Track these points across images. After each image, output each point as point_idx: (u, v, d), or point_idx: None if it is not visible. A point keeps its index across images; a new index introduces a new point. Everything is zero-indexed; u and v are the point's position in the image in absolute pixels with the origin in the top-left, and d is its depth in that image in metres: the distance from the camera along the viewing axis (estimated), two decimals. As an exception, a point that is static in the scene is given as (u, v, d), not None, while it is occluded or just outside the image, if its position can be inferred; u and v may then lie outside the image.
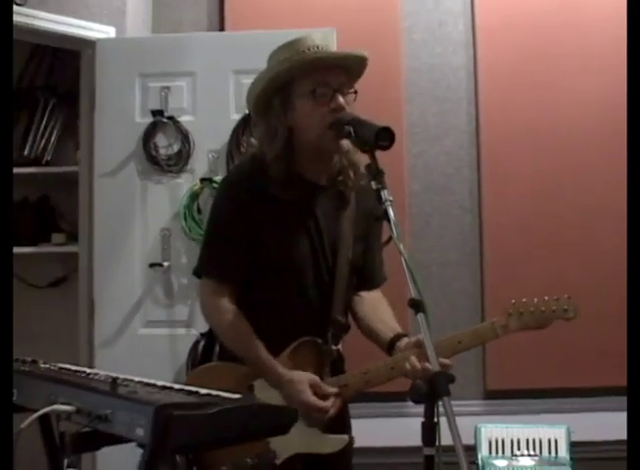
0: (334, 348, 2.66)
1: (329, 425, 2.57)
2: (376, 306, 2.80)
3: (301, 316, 2.62)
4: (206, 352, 2.79)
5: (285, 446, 2.47)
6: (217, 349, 2.73)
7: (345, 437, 2.61)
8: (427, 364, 2.33)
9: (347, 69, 2.60)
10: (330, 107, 2.53)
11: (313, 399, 2.51)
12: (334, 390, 2.56)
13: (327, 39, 2.64)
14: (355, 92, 2.62)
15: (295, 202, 2.59)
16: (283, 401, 2.52)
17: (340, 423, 2.65)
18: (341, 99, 2.54)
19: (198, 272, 2.72)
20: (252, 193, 2.59)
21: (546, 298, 2.53)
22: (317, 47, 2.56)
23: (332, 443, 2.58)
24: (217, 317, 2.65)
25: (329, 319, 2.64)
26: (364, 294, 2.81)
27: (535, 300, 2.53)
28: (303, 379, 2.53)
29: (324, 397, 2.54)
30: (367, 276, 2.80)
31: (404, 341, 2.58)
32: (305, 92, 2.54)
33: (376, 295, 2.84)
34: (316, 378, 2.56)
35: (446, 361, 2.35)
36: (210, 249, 2.70)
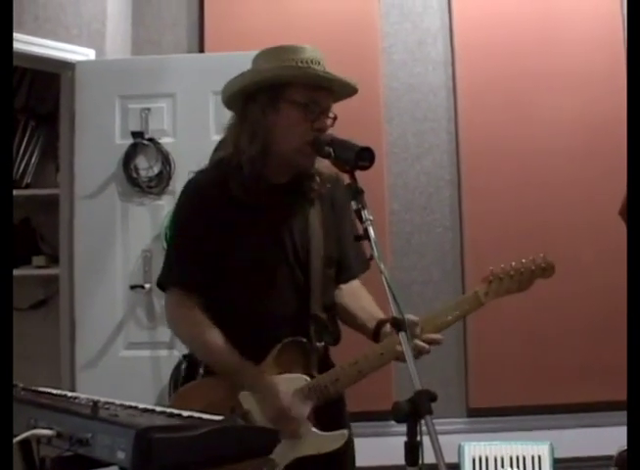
0: (318, 345, 2.61)
1: (325, 423, 2.54)
2: (355, 296, 2.79)
3: (280, 317, 2.58)
4: (190, 374, 2.74)
5: (283, 452, 2.40)
6: (201, 370, 2.67)
7: (345, 432, 2.57)
8: (419, 342, 2.43)
9: (336, 93, 2.62)
10: (314, 125, 2.53)
11: (285, 407, 2.48)
12: (306, 403, 2.51)
13: (317, 52, 2.64)
14: (335, 118, 2.62)
15: (260, 204, 2.58)
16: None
17: (338, 419, 2.63)
18: (327, 121, 2.56)
19: (161, 283, 2.67)
20: (215, 199, 2.57)
21: (523, 260, 2.56)
22: (315, 62, 2.57)
23: (331, 441, 2.54)
24: (185, 328, 2.62)
25: (309, 317, 2.61)
26: (343, 286, 2.79)
27: (513, 263, 2.56)
28: (281, 387, 2.50)
29: (295, 407, 2.50)
30: (343, 267, 2.76)
31: (389, 325, 2.52)
32: (298, 102, 2.54)
33: (355, 284, 2.82)
34: (291, 386, 2.52)
35: (437, 336, 2.46)
36: (173, 257, 2.66)
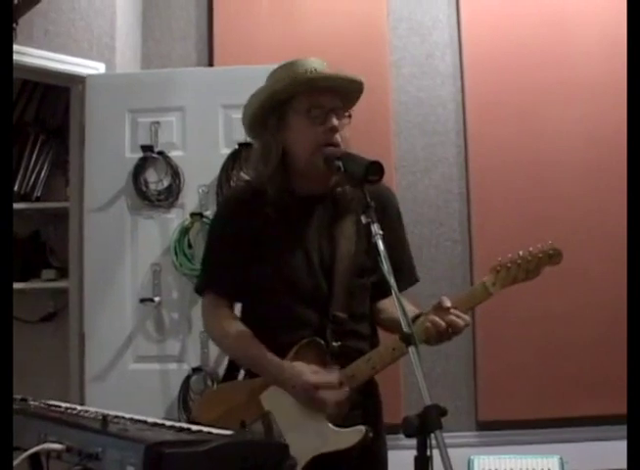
0: (334, 344, 2.62)
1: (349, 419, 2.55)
2: (389, 301, 2.76)
3: (301, 322, 2.63)
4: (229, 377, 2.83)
5: (301, 449, 2.37)
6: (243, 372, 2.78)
7: (361, 427, 2.53)
8: (451, 317, 2.44)
9: (342, 92, 2.65)
10: (324, 127, 2.57)
11: (315, 378, 2.52)
12: (334, 375, 2.55)
13: (323, 64, 2.69)
14: (349, 116, 2.66)
15: (287, 217, 2.64)
16: (297, 407, 2.55)
17: (366, 417, 2.63)
18: (334, 120, 2.58)
19: (198, 288, 2.82)
20: (247, 210, 2.66)
21: (530, 248, 2.53)
22: (315, 70, 2.61)
23: (347, 436, 2.53)
24: (218, 326, 2.72)
25: (327, 318, 2.64)
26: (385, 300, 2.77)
27: (520, 252, 2.53)
28: (304, 368, 2.55)
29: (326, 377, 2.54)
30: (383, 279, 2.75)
31: (422, 317, 2.54)
32: (301, 110, 2.59)
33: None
34: (317, 367, 2.56)
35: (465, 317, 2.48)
36: (208, 264, 2.80)
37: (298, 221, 2.67)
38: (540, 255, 2.54)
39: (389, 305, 2.73)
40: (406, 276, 2.77)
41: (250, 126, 2.74)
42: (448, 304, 2.50)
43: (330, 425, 2.54)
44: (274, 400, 2.56)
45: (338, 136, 2.60)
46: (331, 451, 2.53)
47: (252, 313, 2.72)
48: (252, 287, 2.68)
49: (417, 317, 2.58)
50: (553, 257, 2.57)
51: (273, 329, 2.63)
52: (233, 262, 2.67)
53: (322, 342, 2.61)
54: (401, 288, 2.65)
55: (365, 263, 2.68)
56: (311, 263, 2.64)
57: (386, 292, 2.63)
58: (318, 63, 2.67)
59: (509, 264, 2.53)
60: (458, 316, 2.48)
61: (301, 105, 2.59)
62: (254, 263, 2.64)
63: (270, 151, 2.63)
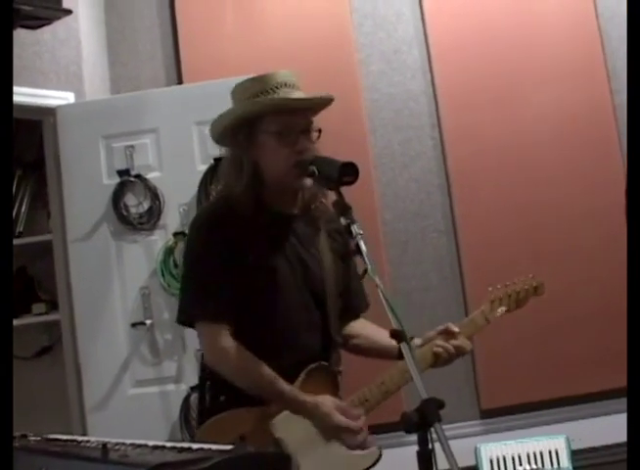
0: (336, 369, 2.69)
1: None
2: (365, 326, 2.87)
3: (301, 345, 2.62)
4: (214, 404, 2.71)
5: None
6: (222, 398, 2.65)
7: (376, 449, 2.58)
8: (455, 342, 2.67)
9: (311, 110, 2.66)
10: (295, 148, 2.56)
11: (344, 421, 2.52)
12: (360, 411, 2.56)
13: (293, 76, 2.67)
14: (319, 131, 2.65)
15: (267, 233, 2.61)
16: (309, 432, 2.52)
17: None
18: (305, 141, 2.59)
19: (190, 319, 2.66)
20: (225, 230, 2.58)
21: (515, 280, 2.86)
22: (285, 85, 2.61)
23: (366, 458, 2.56)
24: (226, 359, 2.58)
25: (330, 342, 2.66)
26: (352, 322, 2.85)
27: (507, 283, 2.85)
28: (328, 403, 2.54)
29: (352, 417, 2.54)
30: (351, 302, 2.81)
31: (416, 340, 2.68)
32: (271, 131, 2.58)
33: (360, 319, 2.89)
34: (339, 401, 2.57)
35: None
36: (195, 291, 2.64)
37: (277, 237, 2.64)
38: (527, 287, 2.86)
39: (362, 330, 2.83)
40: (365, 300, 2.87)
41: (218, 141, 2.75)
42: (456, 329, 2.71)
43: (344, 448, 2.55)
44: (285, 427, 2.53)
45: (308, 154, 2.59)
46: None
47: (244, 336, 2.59)
48: (244, 309, 2.59)
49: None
50: (538, 288, 2.90)
51: (270, 352, 2.56)
52: (223, 285, 2.56)
53: (329, 367, 2.64)
54: (362, 310, 2.86)
55: (341, 286, 2.74)
56: (297, 283, 2.64)
57: (349, 315, 2.81)
58: (287, 76, 2.65)
59: (501, 296, 2.83)
60: (463, 341, 2.71)
61: (272, 127, 2.58)
62: (243, 285, 2.57)
63: (242, 166, 2.61)
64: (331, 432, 2.53)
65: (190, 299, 2.66)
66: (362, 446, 2.55)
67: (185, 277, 2.72)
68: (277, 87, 2.59)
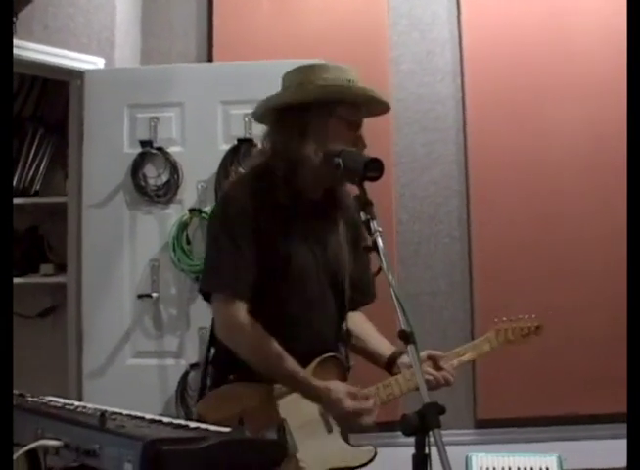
0: (348, 364, 2.69)
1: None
2: (362, 324, 2.84)
3: (316, 333, 2.63)
4: (204, 381, 2.74)
5: (318, 462, 2.45)
6: (232, 377, 2.62)
7: (371, 447, 2.59)
8: (445, 374, 2.67)
9: (370, 110, 2.68)
10: (356, 140, 2.59)
11: (354, 405, 2.49)
12: (371, 392, 2.55)
13: (355, 72, 2.67)
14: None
15: (294, 218, 2.60)
16: (314, 418, 2.52)
17: None
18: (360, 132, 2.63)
19: (208, 289, 2.63)
20: (254, 206, 2.56)
21: (519, 317, 2.96)
22: (356, 80, 2.62)
23: (360, 454, 2.57)
24: (241, 334, 2.54)
25: (341, 334, 2.67)
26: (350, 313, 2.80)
27: (512, 318, 2.95)
28: (340, 388, 2.52)
29: (363, 397, 2.52)
30: (361, 289, 2.79)
31: (405, 357, 2.64)
32: (344, 118, 2.57)
33: (359, 313, 2.87)
34: (350, 386, 2.54)
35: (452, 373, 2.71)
36: (219, 263, 2.59)
37: (306, 221, 2.63)
38: (529, 325, 2.98)
39: (355, 328, 2.79)
40: (372, 291, 2.85)
41: (275, 110, 2.66)
42: (441, 354, 2.73)
43: (343, 442, 2.56)
44: (291, 409, 2.51)
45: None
46: (342, 467, 2.53)
47: (259, 318, 2.55)
48: (262, 290, 2.56)
49: (395, 354, 2.72)
50: (538, 329, 3.00)
51: (283, 337, 2.52)
52: (245, 260, 2.52)
53: (341, 359, 2.64)
54: (368, 301, 2.85)
55: (354, 277, 2.73)
56: (318, 269, 2.64)
57: (353, 304, 2.78)
58: (354, 72, 2.65)
59: (507, 328, 2.92)
60: (450, 372, 2.70)
61: (347, 114, 2.58)
62: (265, 259, 2.55)
63: (306, 132, 2.57)
64: (342, 417, 2.51)
65: (212, 269, 2.63)
66: (372, 428, 2.53)
67: (209, 247, 2.69)
68: (352, 80, 2.60)
